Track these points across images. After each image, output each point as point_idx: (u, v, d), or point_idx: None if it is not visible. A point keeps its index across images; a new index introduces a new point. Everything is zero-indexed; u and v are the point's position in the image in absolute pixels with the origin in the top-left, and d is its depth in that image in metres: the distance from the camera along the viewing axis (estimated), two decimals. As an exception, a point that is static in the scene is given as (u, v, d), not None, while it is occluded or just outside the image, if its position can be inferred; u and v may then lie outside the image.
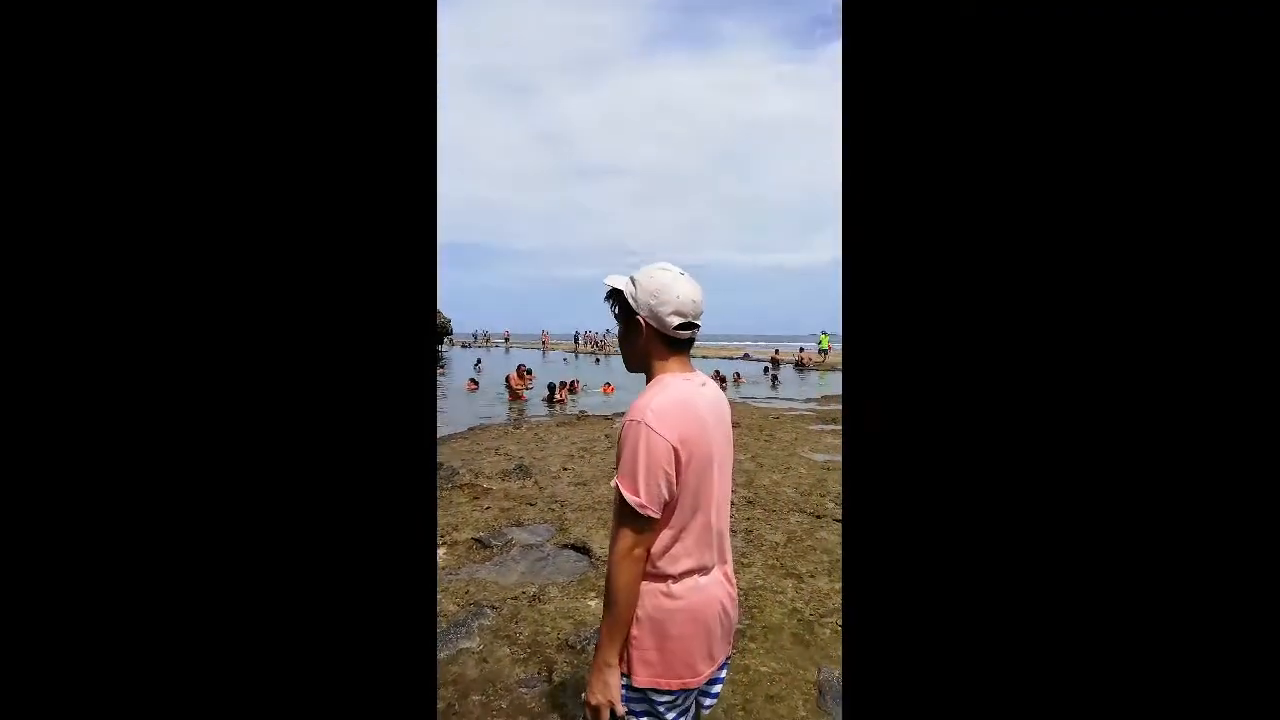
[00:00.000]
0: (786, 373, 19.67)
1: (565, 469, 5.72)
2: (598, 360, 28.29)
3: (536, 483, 5.20)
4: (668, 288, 1.12)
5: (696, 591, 1.11)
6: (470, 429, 8.40)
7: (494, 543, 3.67)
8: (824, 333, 27.85)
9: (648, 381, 1.18)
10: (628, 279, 1.20)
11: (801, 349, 26.67)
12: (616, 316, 1.22)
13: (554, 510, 4.37)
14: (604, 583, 1.11)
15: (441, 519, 4.17)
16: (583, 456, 6.31)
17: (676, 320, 1.12)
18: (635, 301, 1.15)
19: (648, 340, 1.15)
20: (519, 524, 4.11)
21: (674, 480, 1.05)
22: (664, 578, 1.09)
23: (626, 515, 1.04)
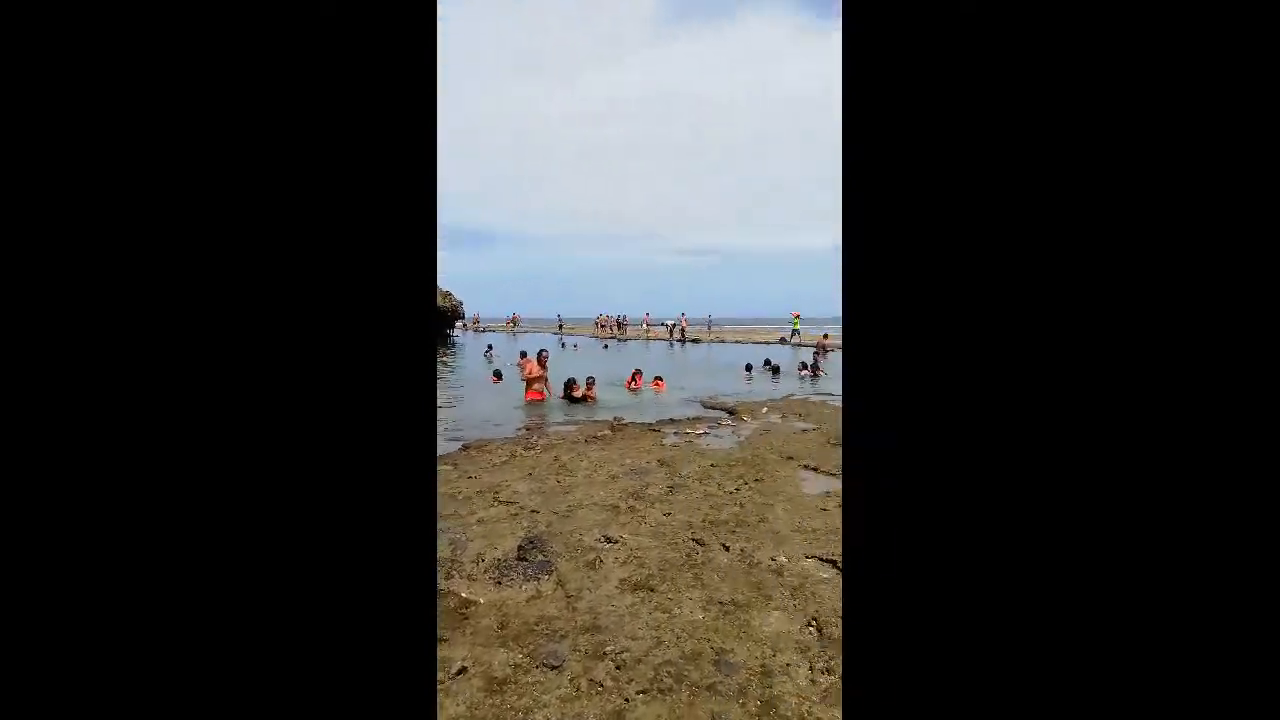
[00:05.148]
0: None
1: (608, 540, 3.39)
2: (606, 346, 26.03)
3: (560, 583, 2.87)
4: None
5: None
6: (464, 447, 6.06)
7: None
8: (795, 314, 27.93)
9: None
10: None
11: (826, 334, 23.45)
12: None
13: (605, 691, 2.04)
14: None
15: None
16: (633, 509, 3.97)
17: None
18: None
19: None
20: (529, 737, 1.80)
21: None
22: None
23: None
